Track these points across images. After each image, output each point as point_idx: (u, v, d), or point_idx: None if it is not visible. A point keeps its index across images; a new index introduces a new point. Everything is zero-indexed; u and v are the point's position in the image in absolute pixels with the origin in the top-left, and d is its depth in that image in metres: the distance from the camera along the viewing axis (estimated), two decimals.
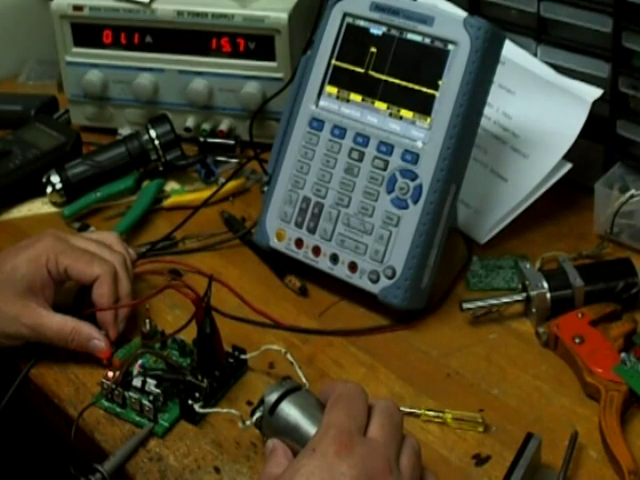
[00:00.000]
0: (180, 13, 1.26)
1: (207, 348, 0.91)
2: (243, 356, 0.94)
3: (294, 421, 0.80)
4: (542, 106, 1.09)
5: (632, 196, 1.05)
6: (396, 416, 0.77)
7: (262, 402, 0.82)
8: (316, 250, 1.03)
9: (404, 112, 1.00)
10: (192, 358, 0.94)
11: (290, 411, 0.80)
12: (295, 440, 0.79)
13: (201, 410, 0.88)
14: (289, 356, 0.90)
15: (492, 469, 0.83)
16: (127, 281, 0.98)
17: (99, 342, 0.94)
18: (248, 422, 0.83)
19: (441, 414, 0.88)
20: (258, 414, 0.82)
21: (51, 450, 1.09)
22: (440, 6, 1.13)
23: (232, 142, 1.30)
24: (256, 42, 1.25)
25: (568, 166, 1.07)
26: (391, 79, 1.01)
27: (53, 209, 1.22)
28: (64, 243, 0.97)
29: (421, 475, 0.76)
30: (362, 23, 1.02)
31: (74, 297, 1.03)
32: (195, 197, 1.20)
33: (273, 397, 0.81)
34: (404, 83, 1.00)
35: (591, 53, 1.09)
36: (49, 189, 1.22)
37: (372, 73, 1.02)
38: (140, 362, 0.93)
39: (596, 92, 1.07)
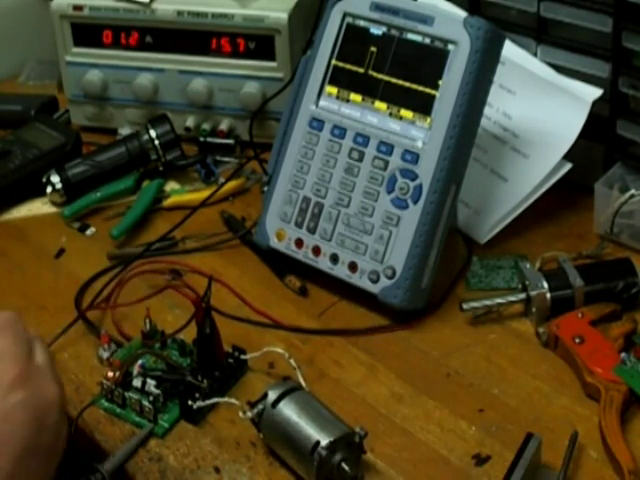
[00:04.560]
0: (180, 13, 1.26)
1: (207, 348, 0.91)
2: (243, 356, 0.94)
3: (295, 417, 0.81)
4: (542, 106, 1.09)
5: (632, 196, 1.05)
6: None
7: (264, 397, 0.83)
8: (316, 250, 1.03)
9: (404, 112, 1.00)
10: (192, 358, 0.94)
11: (292, 407, 0.81)
12: (291, 436, 0.80)
13: (201, 403, 0.88)
14: (292, 361, 0.90)
15: (492, 469, 0.83)
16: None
17: None
18: (249, 413, 0.83)
19: None
20: (260, 407, 0.82)
21: None
22: (440, 6, 1.13)
23: (232, 142, 1.30)
24: (256, 42, 1.25)
25: (568, 166, 1.07)
26: (391, 79, 1.01)
27: (53, 209, 1.22)
28: None
29: None
30: (362, 23, 1.02)
31: (76, 295, 1.04)
32: (195, 197, 1.20)
33: (277, 391, 0.83)
34: (404, 83, 1.00)
35: (591, 53, 1.09)
36: (49, 189, 1.22)
37: (372, 73, 1.02)
38: (140, 362, 0.93)
39: (596, 92, 1.07)
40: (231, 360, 0.93)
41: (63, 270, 1.11)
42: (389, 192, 0.99)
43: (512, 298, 0.99)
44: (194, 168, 1.26)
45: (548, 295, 0.97)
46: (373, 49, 1.02)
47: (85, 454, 0.89)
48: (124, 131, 1.33)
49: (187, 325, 0.93)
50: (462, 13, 1.09)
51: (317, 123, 1.04)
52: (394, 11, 1.00)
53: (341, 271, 1.02)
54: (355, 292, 1.02)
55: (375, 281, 0.99)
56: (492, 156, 1.11)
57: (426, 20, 0.98)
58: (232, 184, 1.22)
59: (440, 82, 0.98)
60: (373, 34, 1.02)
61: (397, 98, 1.00)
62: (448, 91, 0.97)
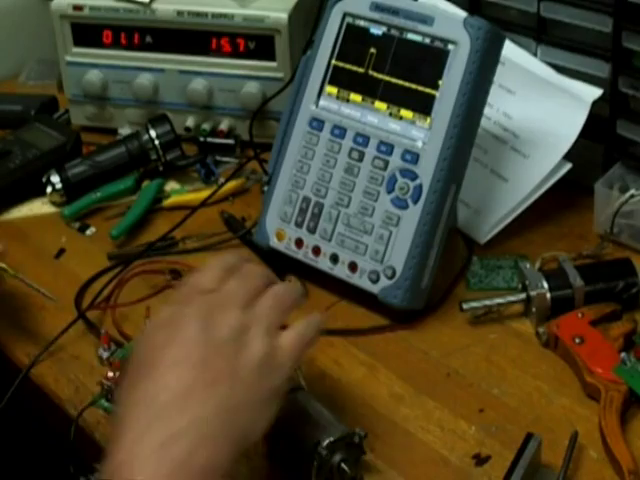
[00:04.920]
0: (180, 13, 1.26)
1: None
2: None
3: (295, 417, 0.81)
4: (542, 106, 1.09)
5: (632, 196, 1.05)
6: (256, 274, 0.79)
7: None
8: (316, 250, 1.03)
9: (404, 112, 1.00)
10: None
11: (294, 407, 0.81)
12: (292, 436, 0.80)
13: None
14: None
15: (492, 469, 0.83)
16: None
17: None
18: None
19: None
20: None
21: (51, 450, 1.09)
22: (440, 6, 1.13)
23: (232, 142, 1.30)
24: (256, 42, 1.25)
25: (568, 166, 1.07)
26: (391, 79, 1.01)
27: (53, 209, 1.22)
28: None
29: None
30: (362, 23, 1.02)
31: (76, 295, 1.04)
32: (195, 197, 1.20)
33: None
34: (404, 83, 1.00)
35: (591, 53, 1.09)
36: (49, 189, 1.22)
37: (372, 73, 1.02)
38: None
39: (596, 92, 1.07)
40: None
41: (63, 270, 1.11)
42: (389, 192, 0.99)
43: (512, 298, 0.99)
44: (194, 168, 1.26)
45: (548, 295, 0.97)
46: (373, 49, 1.02)
47: (85, 454, 0.89)
48: (124, 131, 1.33)
49: None
50: (462, 13, 1.09)
51: (317, 123, 1.04)
52: (394, 11, 1.00)
53: (341, 271, 1.02)
54: (355, 292, 1.01)
55: (375, 281, 0.99)
56: (492, 156, 1.11)
57: (426, 20, 0.98)
58: (232, 184, 1.22)
59: (440, 82, 0.98)
60: (373, 34, 1.02)
61: (397, 98, 1.00)
62: (448, 91, 0.97)
